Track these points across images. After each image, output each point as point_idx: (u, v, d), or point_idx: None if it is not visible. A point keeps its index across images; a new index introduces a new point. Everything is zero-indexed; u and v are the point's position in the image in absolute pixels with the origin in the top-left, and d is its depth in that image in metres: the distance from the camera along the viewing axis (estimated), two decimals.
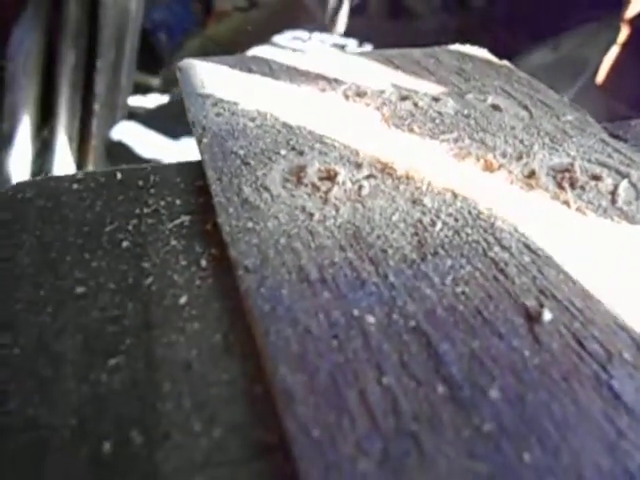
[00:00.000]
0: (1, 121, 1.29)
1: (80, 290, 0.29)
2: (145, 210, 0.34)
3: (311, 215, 0.33)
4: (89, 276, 0.29)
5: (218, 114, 0.44)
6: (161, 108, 1.53)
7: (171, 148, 1.27)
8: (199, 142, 0.40)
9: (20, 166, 1.31)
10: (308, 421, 0.22)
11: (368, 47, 1.68)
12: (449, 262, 0.31)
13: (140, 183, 0.36)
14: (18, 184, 0.36)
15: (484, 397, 0.23)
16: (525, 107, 0.50)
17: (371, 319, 0.26)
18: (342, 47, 1.69)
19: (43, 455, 0.22)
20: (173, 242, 0.32)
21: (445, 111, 0.48)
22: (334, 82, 0.51)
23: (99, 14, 1.32)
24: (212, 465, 0.21)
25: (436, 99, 0.50)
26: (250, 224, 0.32)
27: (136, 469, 0.21)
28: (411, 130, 0.44)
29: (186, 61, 0.53)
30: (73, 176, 0.36)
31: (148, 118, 1.44)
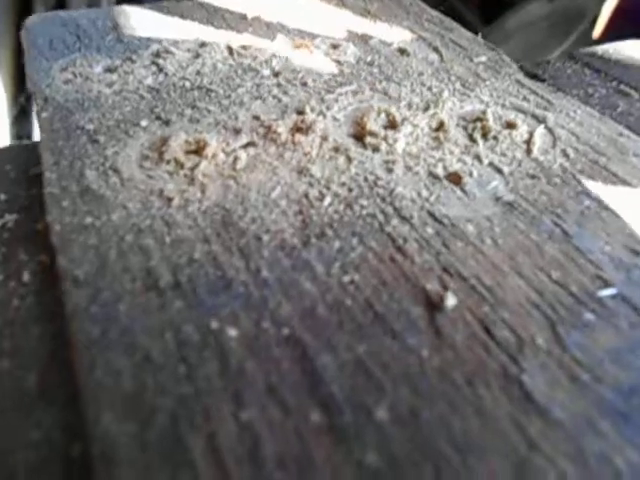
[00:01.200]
0: None
1: None
2: None
3: (169, 200, 0.27)
4: None
5: (67, 81, 0.36)
6: None
7: None
8: (39, 117, 0.32)
9: None
10: None
11: None
12: (337, 244, 0.25)
13: None
14: None
15: (369, 420, 0.19)
16: (435, 49, 0.44)
17: (233, 332, 0.21)
18: None
19: None
20: None
21: (345, 59, 0.42)
22: (218, 34, 0.44)
23: None
24: None
25: (335, 46, 0.43)
26: (89, 219, 0.25)
27: None
28: (304, 84, 0.38)
29: (35, 16, 0.44)
30: None
31: None
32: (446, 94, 0.38)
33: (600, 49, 0.49)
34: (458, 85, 0.39)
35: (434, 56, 0.43)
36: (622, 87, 0.42)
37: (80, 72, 0.36)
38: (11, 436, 0.18)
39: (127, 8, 0.46)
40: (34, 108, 0.34)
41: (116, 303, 0.22)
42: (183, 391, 0.19)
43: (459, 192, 0.29)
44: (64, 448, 0.18)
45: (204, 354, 0.20)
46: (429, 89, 0.38)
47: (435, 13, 0.51)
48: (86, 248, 0.24)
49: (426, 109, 0.36)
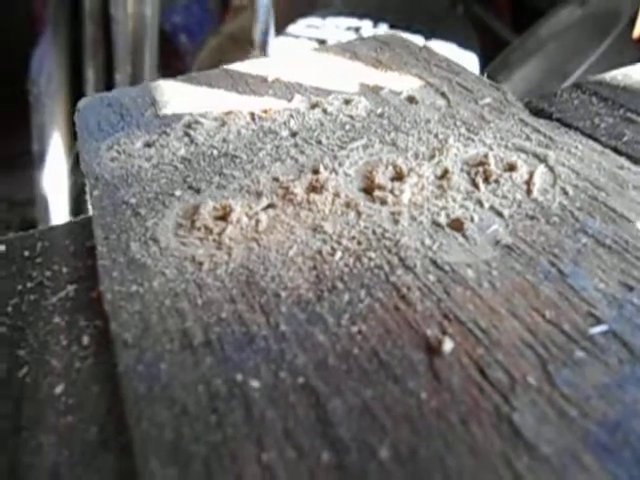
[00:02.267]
0: (31, 142, 1.33)
1: None
2: (28, 285, 0.32)
3: (200, 265, 0.31)
4: None
5: (113, 159, 0.41)
6: None
7: None
8: (90, 195, 0.38)
9: (56, 183, 1.36)
10: None
11: (384, 27, 1.61)
12: (347, 297, 0.28)
13: (26, 253, 0.34)
14: None
15: (373, 459, 0.21)
16: (442, 94, 0.47)
17: (255, 383, 0.24)
18: (357, 30, 1.63)
19: None
20: (56, 319, 0.30)
21: (357, 114, 0.45)
22: (241, 100, 0.49)
23: (112, 29, 1.33)
24: None
25: (348, 101, 0.47)
26: (134, 287, 0.30)
27: None
28: (319, 142, 0.42)
29: (86, 99, 0.50)
30: None
31: None
32: (451, 140, 0.40)
33: (608, 76, 0.50)
34: (463, 130, 0.42)
35: (441, 102, 0.46)
36: (629, 115, 0.44)
37: (124, 149, 0.42)
38: None
39: (162, 83, 0.52)
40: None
41: (158, 362, 0.25)
42: (214, 438, 0.22)
43: (460, 238, 0.32)
44: None
45: (231, 404, 0.24)
46: (435, 136, 0.41)
47: (443, 57, 0.54)
48: (132, 314, 0.28)
49: (432, 157, 0.39)
